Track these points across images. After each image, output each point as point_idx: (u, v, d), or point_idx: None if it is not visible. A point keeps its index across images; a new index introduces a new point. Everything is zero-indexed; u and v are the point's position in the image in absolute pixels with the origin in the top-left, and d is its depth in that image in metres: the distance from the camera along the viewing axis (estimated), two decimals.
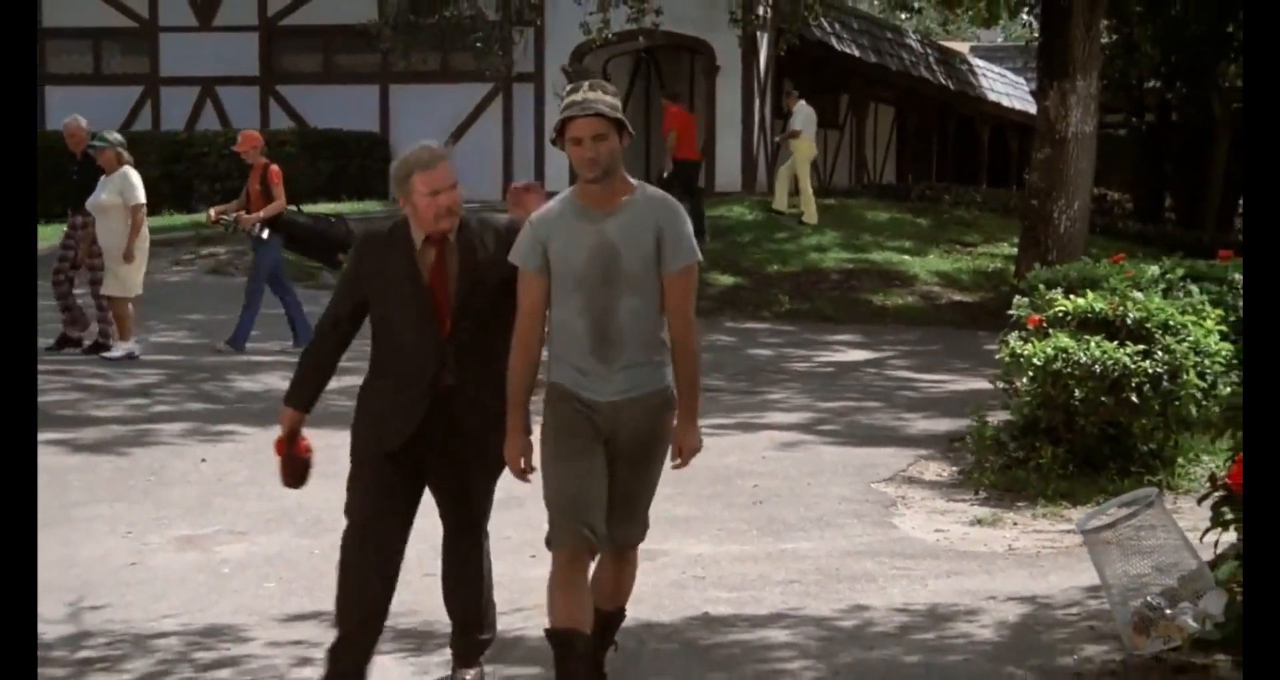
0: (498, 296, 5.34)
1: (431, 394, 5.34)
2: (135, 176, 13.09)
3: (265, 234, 13.55)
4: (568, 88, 5.23)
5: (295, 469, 5.51)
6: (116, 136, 13.70)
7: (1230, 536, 4.35)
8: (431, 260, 5.35)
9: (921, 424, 11.48)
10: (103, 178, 13.05)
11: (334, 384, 5.61)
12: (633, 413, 5.19)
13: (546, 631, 5.18)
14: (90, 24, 27.25)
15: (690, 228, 5.22)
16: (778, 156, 24.83)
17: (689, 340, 5.19)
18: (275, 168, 13.75)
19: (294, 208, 14.27)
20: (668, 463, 5.37)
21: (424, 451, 5.40)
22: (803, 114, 23.00)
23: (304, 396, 5.49)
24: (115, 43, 27.59)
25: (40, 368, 12.51)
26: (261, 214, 13.55)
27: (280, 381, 11.22)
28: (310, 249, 14.37)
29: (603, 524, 5.18)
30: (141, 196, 13.07)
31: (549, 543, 5.18)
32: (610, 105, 5.10)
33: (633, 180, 5.26)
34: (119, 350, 13.09)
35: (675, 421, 5.28)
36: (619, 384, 5.17)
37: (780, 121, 24.30)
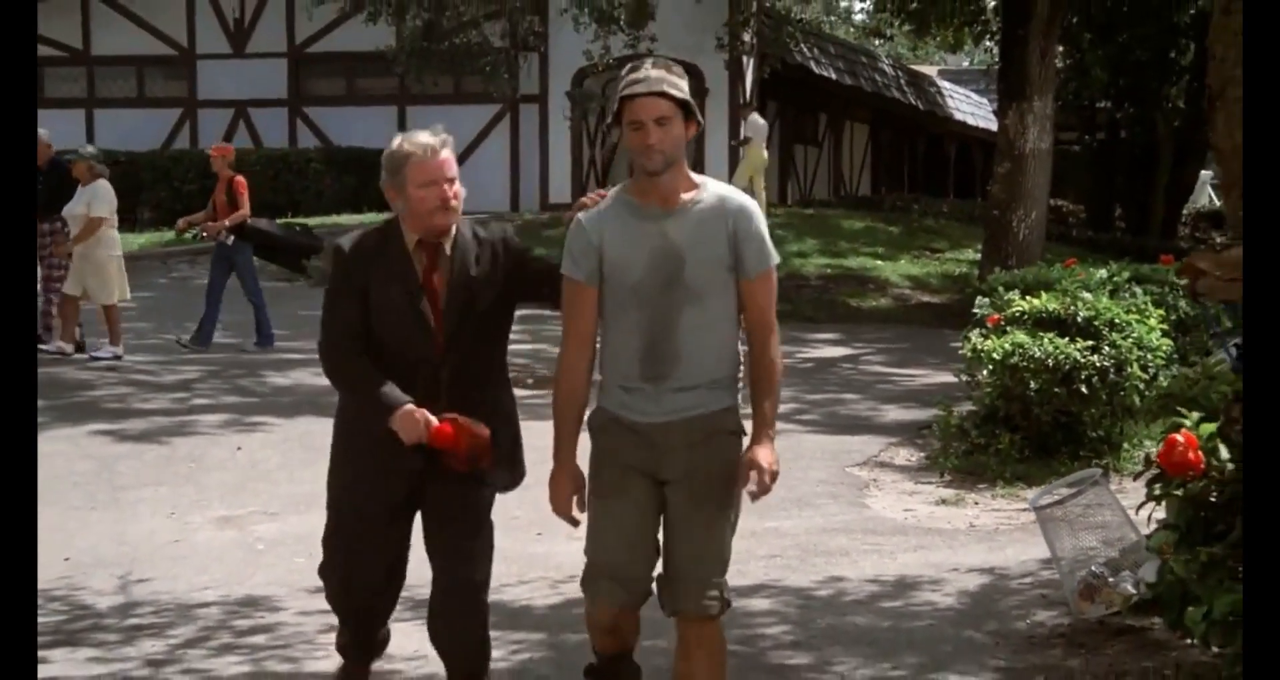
0: (493, 318, 4.57)
1: (433, 407, 4.47)
2: (105, 189, 12.85)
3: (231, 240, 13.50)
4: (629, 66, 4.23)
5: (474, 442, 4.49)
6: (91, 150, 13.67)
7: (1161, 512, 4.44)
8: (424, 266, 4.51)
9: (893, 414, 11.52)
10: (79, 189, 12.98)
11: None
12: (689, 437, 4.18)
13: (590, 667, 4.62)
14: (134, 52, 27.30)
15: (767, 230, 4.26)
16: (735, 165, 25.02)
17: (771, 351, 4.21)
18: (240, 179, 13.65)
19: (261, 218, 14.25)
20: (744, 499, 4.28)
21: (413, 496, 4.66)
22: (754, 125, 23.26)
23: (393, 391, 4.47)
24: (157, 69, 27.62)
25: (91, 366, 12.61)
26: (227, 222, 13.42)
27: (311, 377, 11.31)
28: (277, 254, 14.09)
29: (650, 574, 4.26)
30: (103, 209, 12.73)
31: (584, 590, 4.35)
32: (676, 85, 4.11)
33: (696, 176, 4.25)
34: (106, 353, 12.98)
35: (747, 446, 4.19)
36: (671, 405, 4.18)
37: (738, 143, 24.51)
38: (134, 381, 12.07)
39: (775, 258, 4.23)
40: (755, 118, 23.58)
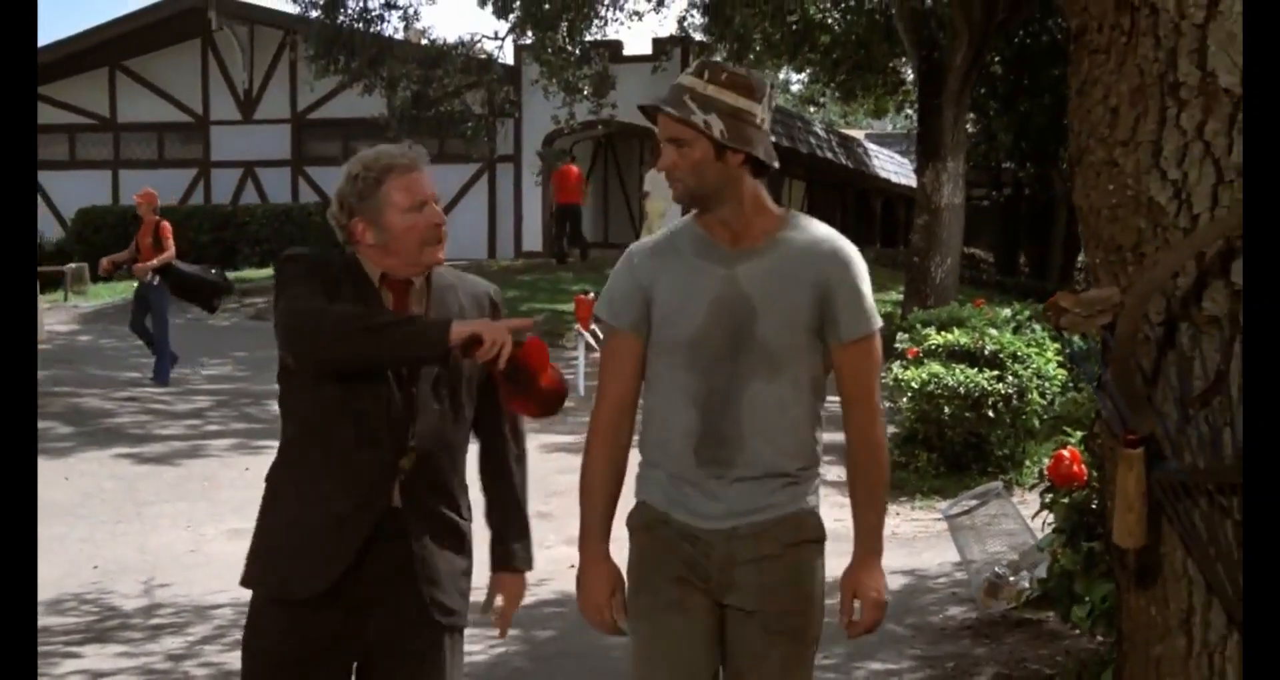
0: (469, 386, 3.03)
1: (382, 502, 2.90)
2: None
3: (157, 280, 13.22)
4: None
5: (527, 382, 2.90)
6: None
7: (1053, 519, 4.55)
8: (391, 304, 2.99)
9: (827, 436, 11.57)
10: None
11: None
12: (760, 548, 2.90)
13: None
14: (155, 119, 27.29)
15: (869, 285, 2.96)
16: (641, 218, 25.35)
17: (874, 437, 2.94)
18: (166, 223, 13.48)
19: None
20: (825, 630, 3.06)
21: (356, 615, 2.91)
22: (652, 179, 23.57)
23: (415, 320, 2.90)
24: (175, 134, 27.58)
25: (113, 395, 12.57)
26: (155, 262, 13.10)
27: None
28: (193, 295, 13.81)
29: None
30: None
31: None
32: (705, 101, 2.84)
33: (778, 209, 2.96)
34: None
35: (848, 567, 2.98)
36: (735, 503, 2.90)
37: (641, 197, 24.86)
38: (153, 410, 12.04)
39: (878, 320, 2.95)
40: (651, 174, 23.92)
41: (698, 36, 24.14)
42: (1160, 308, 2.08)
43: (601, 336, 3.11)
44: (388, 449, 2.91)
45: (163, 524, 7.93)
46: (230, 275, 22.03)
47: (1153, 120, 2.06)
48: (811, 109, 37.92)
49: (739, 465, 2.91)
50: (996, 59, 26.29)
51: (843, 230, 3.04)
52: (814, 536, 2.98)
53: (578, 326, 12.94)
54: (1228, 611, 2.05)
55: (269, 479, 3.11)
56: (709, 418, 2.90)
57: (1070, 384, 9.48)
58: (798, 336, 2.89)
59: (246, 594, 2.94)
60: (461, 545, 3.02)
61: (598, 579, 2.95)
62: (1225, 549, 2.02)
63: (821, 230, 2.97)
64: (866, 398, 2.96)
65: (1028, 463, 9.18)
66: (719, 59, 25.80)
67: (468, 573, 3.04)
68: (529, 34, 21.54)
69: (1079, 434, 4.57)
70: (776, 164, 2.89)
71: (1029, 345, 9.54)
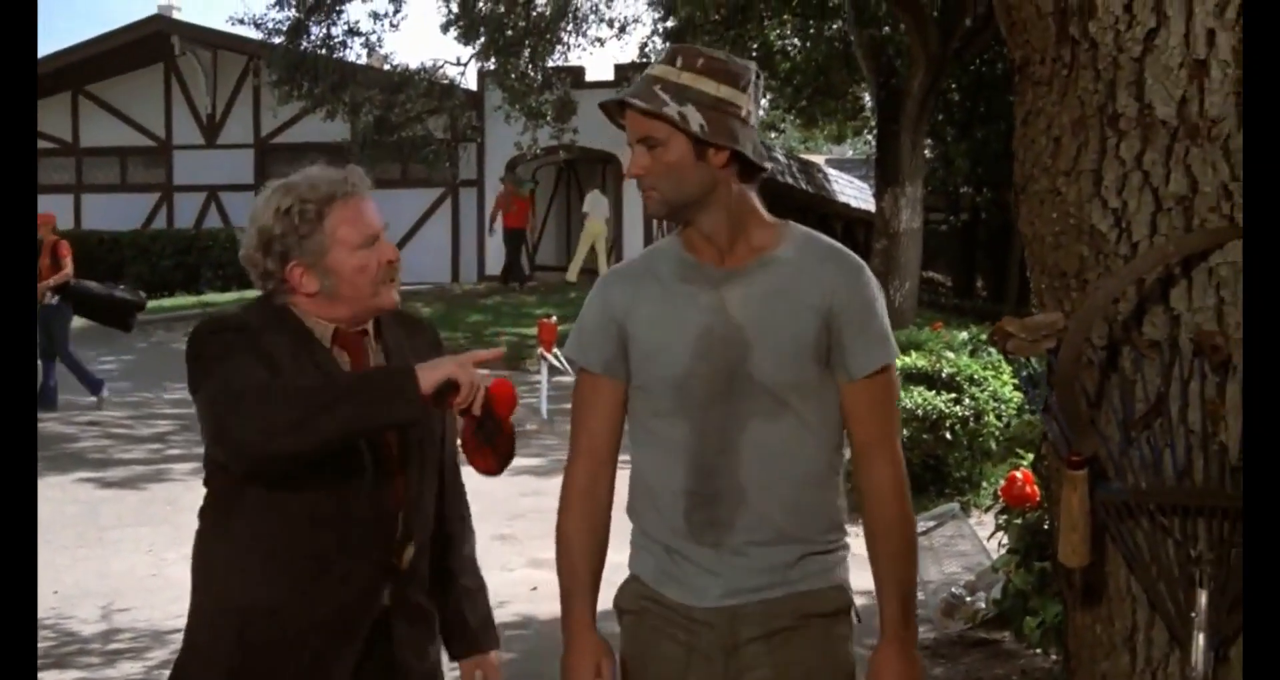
0: (438, 451, 2.60)
1: (375, 608, 2.47)
2: None
3: (55, 300, 12.89)
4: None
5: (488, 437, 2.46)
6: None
7: (1006, 537, 4.59)
8: (349, 366, 2.49)
9: None
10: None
11: None
12: (770, 624, 2.40)
13: None
14: (118, 144, 27.18)
15: (883, 308, 2.45)
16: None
17: (892, 490, 2.40)
18: (64, 243, 13.26)
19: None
20: None
21: None
22: (592, 201, 23.81)
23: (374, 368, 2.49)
24: (138, 158, 27.46)
25: (74, 420, 12.47)
26: (51, 281, 12.78)
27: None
28: (100, 313, 13.45)
29: None
30: None
31: None
32: (679, 92, 2.35)
33: (771, 219, 2.46)
34: None
35: (874, 654, 2.39)
36: (737, 578, 2.40)
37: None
38: (114, 434, 11.95)
39: (894, 349, 2.43)
40: (592, 195, 24.17)
41: None
42: (1103, 332, 2.12)
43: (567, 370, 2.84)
44: (378, 550, 2.45)
45: (124, 548, 7.86)
46: (193, 299, 22.03)
47: (1093, 150, 2.11)
48: (772, 134, 38.16)
49: (739, 528, 2.38)
50: (953, 86, 26.58)
51: None
52: (835, 609, 2.43)
53: (540, 350, 12.95)
54: (1170, 629, 2.09)
55: (206, 550, 2.56)
56: (701, 473, 2.39)
57: (1026, 406, 9.56)
58: (802, 371, 2.37)
59: None
60: (433, 631, 2.64)
61: (581, 657, 2.47)
62: (1167, 567, 2.06)
63: (824, 244, 2.47)
64: (884, 443, 2.40)
65: (984, 484, 9.22)
66: None
67: (438, 660, 2.68)
68: (492, 60, 21.60)
69: (1031, 456, 4.62)
70: (767, 165, 2.45)
71: (985, 368, 9.62)
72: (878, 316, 2.41)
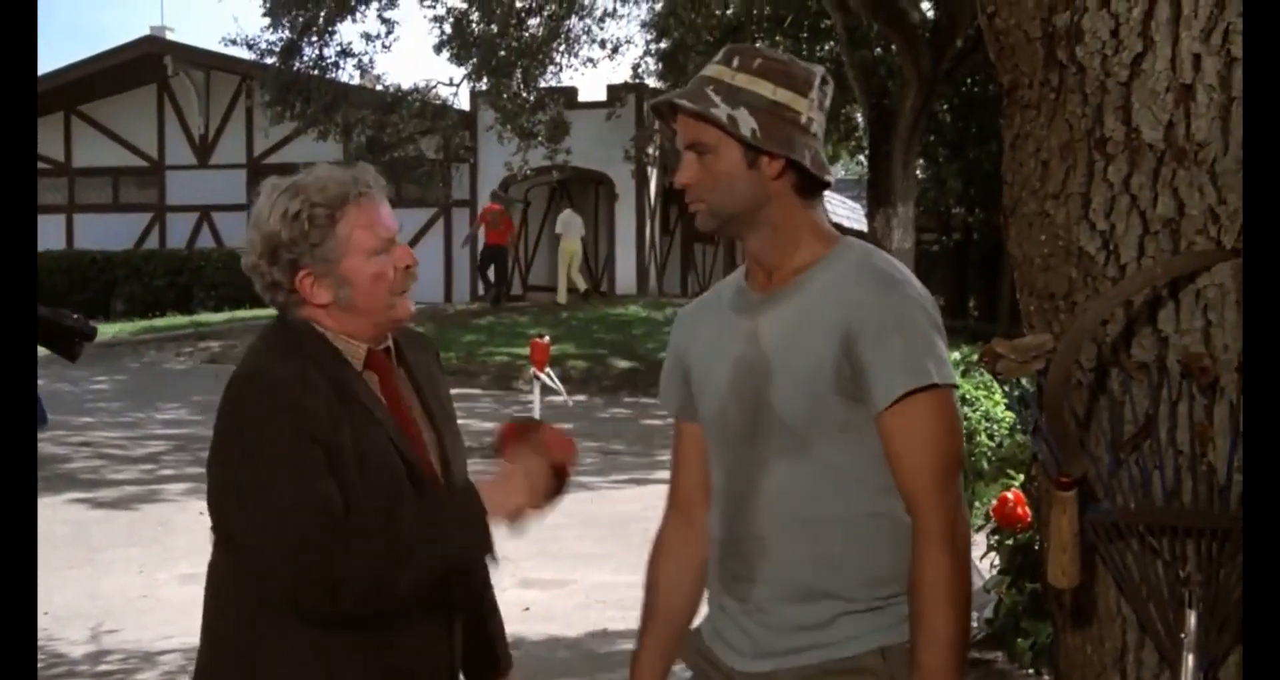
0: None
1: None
2: None
3: None
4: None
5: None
6: None
7: (998, 558, 4.60)
8: (383, 390, 2.26)
9: None
10: None
11: None
12: None
13: None
14: (110, 164, 27.21)
15: (926, 327, 2.11)
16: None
17: (933, 546, 2.07)
18: None
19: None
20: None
21: None
22: (563, 220, 23.93)
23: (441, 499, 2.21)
24: (130, 178, 27.49)
25: (66, 440, 12.45)
26: None
27: None
28: (45, 339, 13.31)
29: None
30: None
31: None
32: (730, 94, 2.14)
33: (829, 237, 2.23)
34: None
35: None
36: (764, 636, 2.19)
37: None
38: (107, 455, 11.94)
39: (936, 372, 2.08)
40: (564, 215, 24.26)
41: (652, 83, 24.35)
42: (1091, 354, 2.13)
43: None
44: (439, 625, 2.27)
45: (115, 569, 7.85)
46: (186, 319, 22.00)
47: (1081, 174, 2.12)
48: None
49: (760, 581, 2.17)
50: (945, 106, 26.67)
51: None
52: (889, 676, 2.13)
53: (533, 370, 12.95)
54: (1160, 650, 2.10)
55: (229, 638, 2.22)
56: (727, 520, 2.21)
57: (1017, 427, 9.56)
58: (820, 404, 2.11)
59: (195, 640, 2.33)
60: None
61: None
62: (1156, 588, 2.07)
63: (868, 262, 2.18)
64: (924, 492, 2.08)
65: (977, 504, 9.21)
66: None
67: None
68: (484, 80, 21.65)
69: (1023, 476, 4.63)
70: (830, 178, 2.22)
71: (978, 388, 9.61)
72: (905, 335, 2.07)
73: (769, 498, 2.16)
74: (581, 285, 23.87)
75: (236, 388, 2.16)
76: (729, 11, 22.88)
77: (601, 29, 25.71)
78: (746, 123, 2.14)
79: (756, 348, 2.18)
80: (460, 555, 2.12)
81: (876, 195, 17.87)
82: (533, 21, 21.47)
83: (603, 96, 24.79)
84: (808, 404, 2.12)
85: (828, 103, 2.22)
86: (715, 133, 2.15)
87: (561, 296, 23.77)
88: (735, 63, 2.18)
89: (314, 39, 21.38)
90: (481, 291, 23.75)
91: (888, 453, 2.10)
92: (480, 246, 22.90)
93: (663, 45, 23.65)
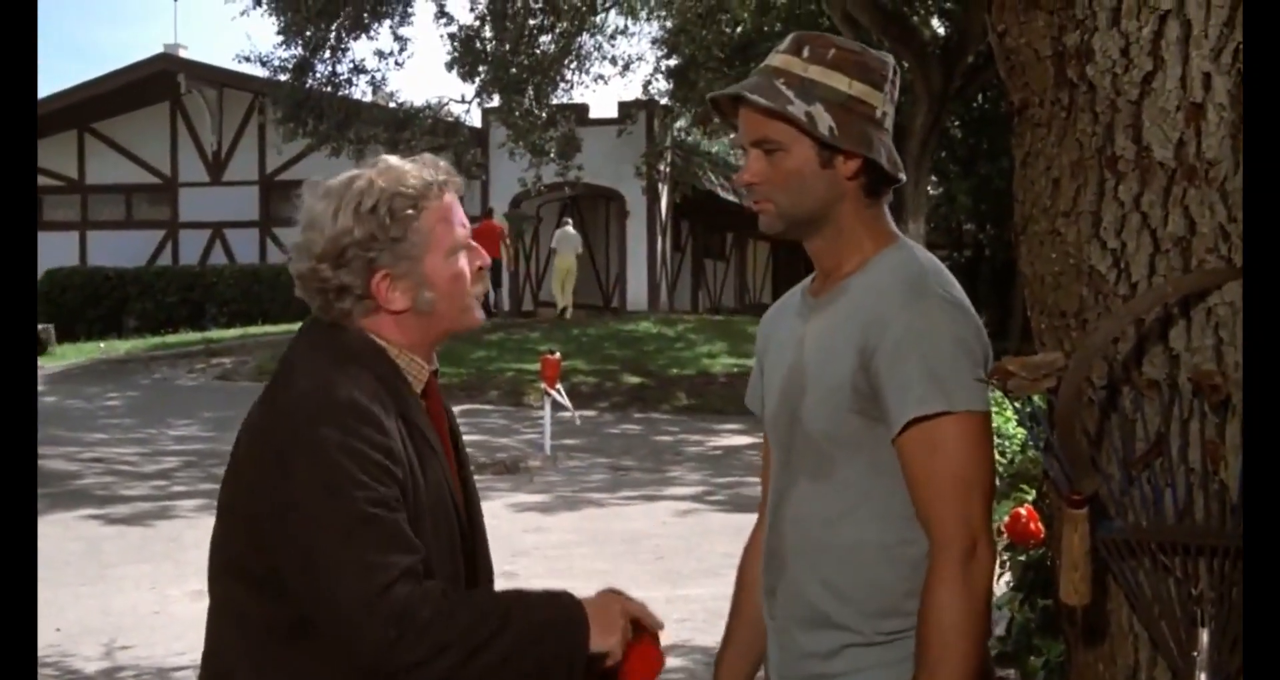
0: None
1: None
2: None
3: None
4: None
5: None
6: None
7: (1009, 575, 4.59)
8: (432, 416, 2.07)
9: None
10: None
11: None
12: None
13: None
14: (124, 181, 27.37)
15: (950, 344, 1.99)
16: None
17: (947, 582, 1.95)
18: None
19: None
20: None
21: None
22: (559, 236, 24.08)
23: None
24: (143, 195, 27.64)
25: (79, 457, 12.48)
26: None
27: None
28: None
29: None
30: None
31: None
32: (804, 88, 2.02)
33: (886, 238, 2.13)
34: None
35: None
36: (784, 659, 2.16)
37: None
38: (119, 471, 11.97)
39: (957, 396, 1.97)
40: (560, 231, 24.39)
41: (663, 100, 24.40)
42: (1102, 372, 2.13)
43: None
44: None
45: (126, 586, 7.86)
46: (197, 336, 22.06)
47: (1092, 192, 2.13)
48: None
49: (780, 599, 2.13)
50: (956, 123, 26.69)
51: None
52: None
53: (543, 385, 12.97)
54: (1172, 668, 2.09)
55: None
56: (768, 529, 2.19)
57: (1029, 443, 9.55)
58: (840, 422, 2.03)
59: None
60: None
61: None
62: (1168, 606, 2.06)
63: (901, 267, 2.06)
64: (937, 525, 1.96)
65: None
66: (683, 122, 26.25)
67: None
68: (495, 97, 21.72)
69: (1035, 492, 4.63)
70: (903, 176, 2.13)
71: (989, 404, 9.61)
72: (922, 354, 1.95)
73: (792, 515, 2.12)
74: (567, 300, 24.06)
75: (300, 409, 1.87)
76: (739, 29, 22.94)
77: (613, 46, 25.76)
78: (824, 120, 2.02)
79: (800, 356, 2.11)
80: (545, 664, 1.86)
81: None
82: (544, 38, 21.55)
83: (614, 113, 24.88)
84: (830, 421, 2.05)
85: (897, 95, 2.13)
86: (787, 130, 2.03)
87: (561, 307, 24.03)
88: (805, 53, 2.05)
89: (327, 56, 21.48)
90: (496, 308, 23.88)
91: (906, 479, 2.01)
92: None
93: (673, 62, 23.71)
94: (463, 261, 2.02)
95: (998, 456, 9.03)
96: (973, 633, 1.97)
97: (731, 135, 25.50)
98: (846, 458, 2.05)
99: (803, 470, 2.10)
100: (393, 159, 2.05)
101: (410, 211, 1.97)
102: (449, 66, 21.49)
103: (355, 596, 1.79)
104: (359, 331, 2.00)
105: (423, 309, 2.00)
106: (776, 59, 2.08)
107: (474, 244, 2.06)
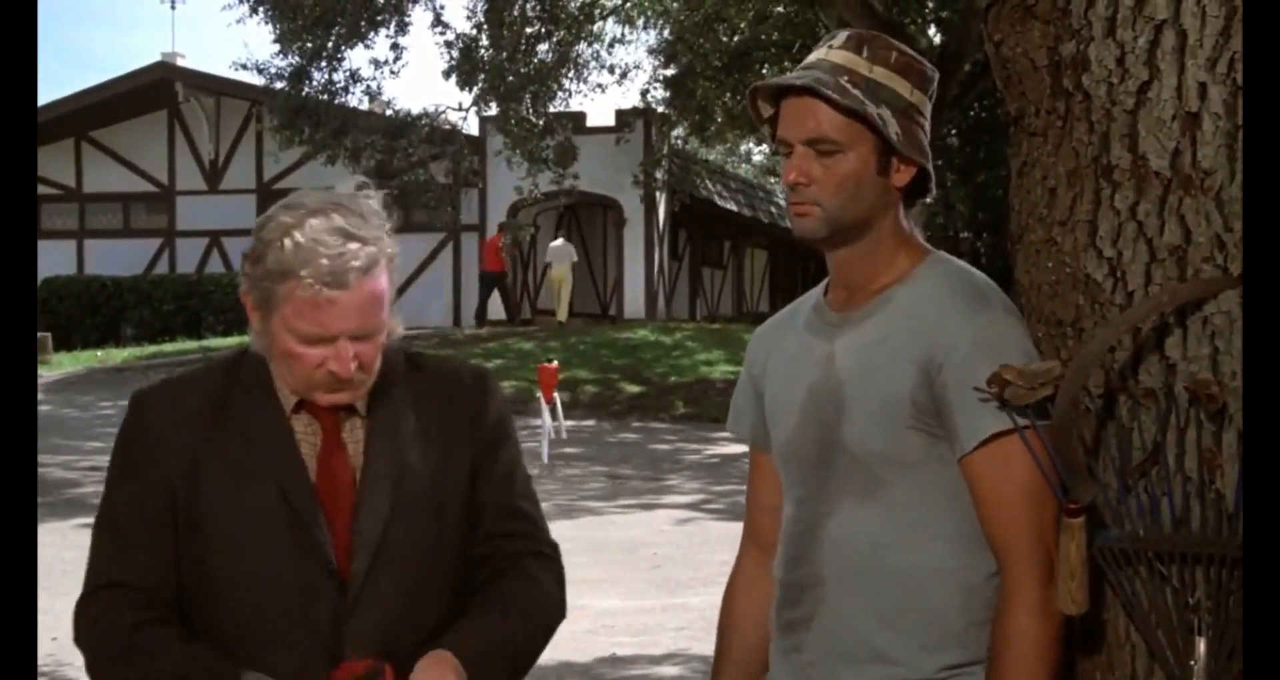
0: (451, 541, 2.03)
1: None
2: None
3: None
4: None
5: None
6: None
7: None
8: (319, 444, 2.00)
9: None
10: None
11: None
12: None
13: None
14: (121, 190, 27.40)
15: (1020, 356, 1.96)
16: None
17: (1028, 611, 1.88)
18: None
19: None
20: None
21: None
22: (552, 250, 24.47)
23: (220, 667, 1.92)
24: (140, 203, 27.66)
25: (76, 465, 12.47)
26: None
27: None
28: None
29: None
30: None
31: None
32: (871, 90, 1.94)
33: (918, 249, 2.06)
34: None
35: None
36: None
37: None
38: None
39: (1029, 412, 1.88)
40: (554, 244, 24.70)
41: (660, 108, 24.43)
42: (1099, 381, 2.14)
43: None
44: (316, 629, 2.00)
45: None
46: (195, 344, 22.06)
47: (1088, 201, 2.13)
48: (773, 180, 38.34)
49: (815, 631, 1.96)
50: (953, 132, 26.72)
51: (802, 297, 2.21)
52: None
53: (539, 394, 12.98)
54: (1169, 677, 2.10)
55: None
56: (791, 559, 2.01)
57: None
58: (896, 441, 1.91)
59: None
60: None
61: None
62: (1165, 615, 2.07)
63: (959, 278, 1.99)
64: (1016, 547, 1.87)
65: None
66: (681, 131, 26.29)
67: None
68: (493, 105, 21.74)
69: None
70: (933, 189, 2.07)
71: None
72: (996, 367, 1.87)
73: (833, 540, 1.96)
74: (560, 314, 24.33)
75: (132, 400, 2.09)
76: (737, 37, 22.97)
77: (610, 55, 25.85)
78: (892, 125, 1.96)
79: (832, 374, 1.99)
80: None
81: None
82: (542, 47, 21.58)
83: (611, 121, 24.91)
84: (882, 439, 1.93)
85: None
86: (852, 130, 1.93)
87: (561, 316, 24.23)
88: (866, 53, 1.97)
89: (324, 64, 21.50)
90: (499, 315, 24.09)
91: (975, 499, 1.90)
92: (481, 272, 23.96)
93: (671, 71, 23.74)
94: (307, 353, 1.94)
95: None
96: (1051, 661, 1.89)
97: (727, 142, 25.46)
98: (899, 477, 1.94)
99: (845, 491, 1.96)
100: (340, 222, 1.97)
101: (280, 271, 1.93)
102: (446, 74, 21.51)
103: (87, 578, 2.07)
104: (255, 354, 2.06)
105: (267, 352, 2.01)
106: (835, 55, 1.98)
107: (341, 347, 1.93)
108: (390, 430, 2.03)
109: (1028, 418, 1.91)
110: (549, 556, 2.13)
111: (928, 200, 2.12)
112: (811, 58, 2.01)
